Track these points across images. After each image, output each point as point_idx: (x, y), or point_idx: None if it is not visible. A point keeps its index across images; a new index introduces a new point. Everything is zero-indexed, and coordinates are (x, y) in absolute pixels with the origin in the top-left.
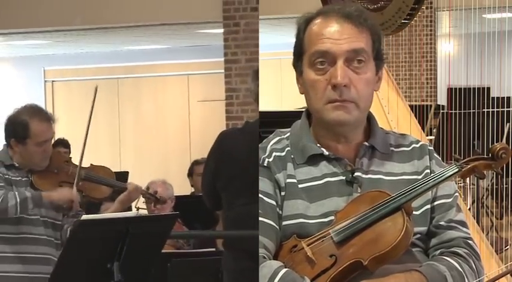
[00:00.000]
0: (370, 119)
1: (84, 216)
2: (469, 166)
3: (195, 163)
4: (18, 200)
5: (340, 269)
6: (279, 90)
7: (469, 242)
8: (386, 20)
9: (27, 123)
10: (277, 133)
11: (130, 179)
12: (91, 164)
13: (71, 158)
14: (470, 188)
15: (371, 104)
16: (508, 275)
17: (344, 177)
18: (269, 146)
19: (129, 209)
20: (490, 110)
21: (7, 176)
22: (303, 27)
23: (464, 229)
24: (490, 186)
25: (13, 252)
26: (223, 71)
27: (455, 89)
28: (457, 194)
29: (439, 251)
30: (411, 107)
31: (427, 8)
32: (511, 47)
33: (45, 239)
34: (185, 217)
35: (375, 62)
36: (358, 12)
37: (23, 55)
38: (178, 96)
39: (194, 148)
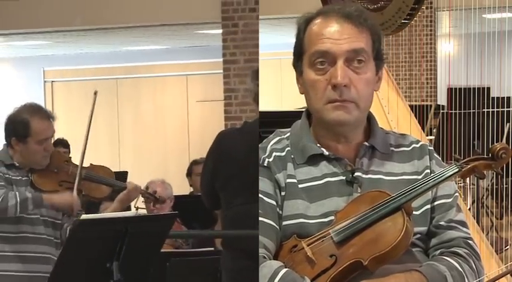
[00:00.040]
0: (370, 119)
1: (84, 216)
2: (469, 166)
3: (194, 163)
4: (18, 200)
5: (340, 269)
6: (279, 90)
7: (469, 242)
8: (386, 20)
9: (28, 121)
10: (277, 133)
11: (130, 179)
12: (91, 164)
13: (70, 157)
14: (470, 188)
15: (371, 104)
16: (508, 275)
17: (344, 177)
18: (269, 146)
19: (128, 208)
20: (490, 110)
21: (7, 176)
22: (303, 27)
23: (464, 229)
24: (490, 186)
25: (13, 251)
26: (221, 71)
27: (455, 89)
28: (457, 194)
29: (439, 251)
30: (411, 107)
31: (427, 8)
32: (511, 47)
33: (45, 238)
34: (184, 217)
35: (375, 62)
36: (358, 12)
37: (22, 55)
38: (177, 97)
39: (193, 148)
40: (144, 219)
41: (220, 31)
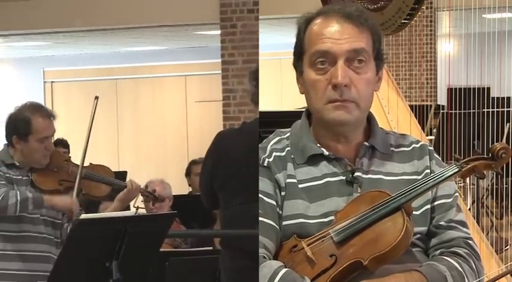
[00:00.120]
0: (370, 119)
1: (83, 216)
2: (469, 166)
3: (193, 163)
4: (18, 199)
5: (340, 269)
6: (279, 90)
7: (469, 242)
8: (386, 20)
9: (29, 119)
10: (277, 133)
11: (129, 179)
12: (90, 163)
13: (70, 157)
14: (470, 188)
15: (371, 104)
16: (508, 275)
17: (344, 177)
18: (269, 146)
19: (128, 208)
20: (490, 110)
21: (8, 175)
22: (303, 27)
23: (464, 229)
24: (490, 186)
25: (13, 250)
26: (220, 72)
27: (455, 89)
28: (457, 194)
29: (439, 251)
30: (411, 107)
31: (427, 8)
32: (511, 47)
33: (45, 238)
34: (183, 216)
35: (375, 62)
36: (358, 12)
37: (22, 56)
38: (176, 97)
39: (192, 148)
40: (143, 219)
41: (218, 32)
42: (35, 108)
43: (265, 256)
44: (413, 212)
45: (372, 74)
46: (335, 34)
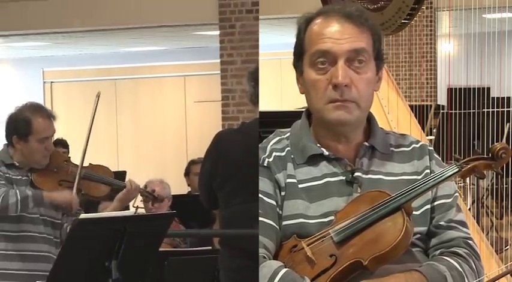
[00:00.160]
0: (370, 119)
1: (83, 215)
2: (469, 166)
3: (192, 163)
4: (19, 198)
5: (340, 269)
6: (279, 90)
7: (469, 242)
8: (386, 20)
9: (29, 119)
10: (277, 133)
11: (128, 179)
12: (90, 164)
13: (69, 157)
14: (470, 188)
15: (371, 104)
16: (508, 275)
17: (344, 178)
18: (269, 146)
19: (127, 208)
20: (490, 110)
21: (8, 175)
22: (304, 27)
23: (464, 229)
24: (490, 186)
25: (13, 250)
26: (219, 72)
27: (455, 89)
28: (457, 194)
29: (439, 251)
30: (411, 107)
31: (427, 8)
32: (511, 47)
33: (44, 237)
34: (182, 216)
35: (375, 62)
36: (358, 12)
37: (22, 56)
38: (175, 97)
39: (191, 148)
40: (142, 219)
41: (217, 32)
42: (36, 109)
43: (265, 256)
44: (413, 212)
45: (372, 74)
46: (335, 34)
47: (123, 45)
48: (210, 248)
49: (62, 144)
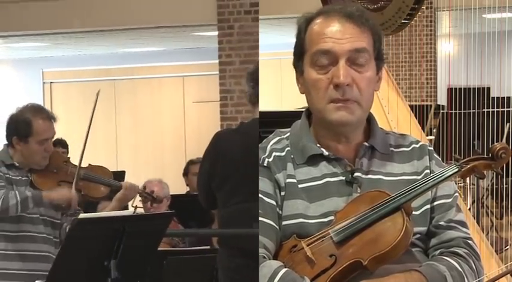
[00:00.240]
0: (370, 119)
1: (82, 215)
2: (469, 166)
3: (190, 163)
4: (18, 199)
5: (340, 269)
6: (279, 90)
7: (469, 242)
8: (386, 20)
9: (30, 121)
10: (277, 133)
11: (127, 178)
12: (89, 164)
13: (69, 158)
14: (470, 188)
15: (372, 104)
16: (508, 275)
17: (344, 178)
18: (269, 146)
19: (126, 207)
20: (490, 110)
21: (8, 175)
22: (304, 27)
23: (464, 229)
24: (490, 186)
25: (13, 249)
26: (217, 72)
27: (455, 89)
28: (457, 194)
29: (438, 251)
30: (411, 107)
31: (427, 8)
32: (511, 47)
33: (44, 237)
34: (181, 215)
35: (376, 62)
36: (359, 12)
37: (22, 57)
38: (173, 97)
39: (189, 148)
40: (141, 218)
41: (216, 33)
42: (36, 110)
43: (265, 256)
44: (413, 212)
45: (372, 73)
46: (336, 34)
47: (122, 45)
48: (208, 247)
49: (62, 144)
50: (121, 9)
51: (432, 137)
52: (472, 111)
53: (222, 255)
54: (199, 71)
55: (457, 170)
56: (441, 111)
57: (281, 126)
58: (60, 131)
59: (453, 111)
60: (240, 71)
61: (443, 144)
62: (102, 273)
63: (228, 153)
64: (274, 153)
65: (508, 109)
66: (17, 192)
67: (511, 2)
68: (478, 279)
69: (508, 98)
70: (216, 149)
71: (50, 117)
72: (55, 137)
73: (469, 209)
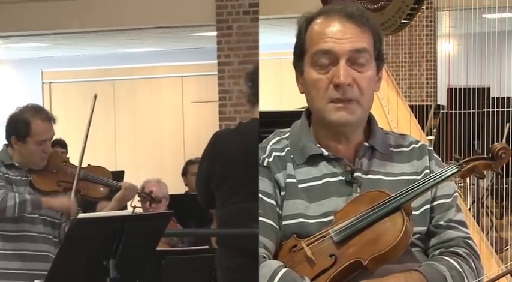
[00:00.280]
0: (370, 119)
1: (81, 215)
2: (469, 166)
3: (189, 163)
4: (17, 201)
5: (340, 269)
6: (279, 90)
7: (469, 241)
8: (386, 20)
9: (29, 121)
10: (277, 133)
11: (126, 178)
12: (88, 164)
13: (68, 158)
14: (470, 188)
15: (372, 104)
16: (508, 275)
17: (343, 178)
18: (269, 146)
19: (125, 207)
20: (490, 110)
21: (7, 175)
22: (304, 27)
23: (464, 229)
24: (490, 186)
25: (13, 249)
26: (216, 73)
27: (455, 89)
28: (456, 194)
29: (438, 251)
30: (411, 107)
31: (427, 8)
32: (511, 47)
33: (44, 237)
34: (179, 215)
35: (376, 62)
36: (360, 12)
37: (21, 57)
38: (172, 98)
39: (188, 148)
40: (140, 218)
41: (214, 33)
42: (36, 111)
43: (265, 256)
44: (413, 212)
45: (373, 73)
46: (337, 34)
47: (121, 46)
48: (207, 247)
49: (61, 144)
50: (120, 9)
51: (432, 137)
52: (472, 111)
53: (221, 255)
54: (198, 71)
55: (457, 170)
56: (441, 111)
57: (281, 126)
58: (60, 131)
59: (453, 111)
60: (238, 71)
61: (443, 144)
62: (101, 272)
63: (226, 153)
64: (274, 153)
65: (508, 109)
66: (16, 194)
67: (511, 2)
68: (478, 279)
69: (508, 98)
70: (214, 149)
71: (49, 118)
72: (54, 138)
73: (469, 209)
